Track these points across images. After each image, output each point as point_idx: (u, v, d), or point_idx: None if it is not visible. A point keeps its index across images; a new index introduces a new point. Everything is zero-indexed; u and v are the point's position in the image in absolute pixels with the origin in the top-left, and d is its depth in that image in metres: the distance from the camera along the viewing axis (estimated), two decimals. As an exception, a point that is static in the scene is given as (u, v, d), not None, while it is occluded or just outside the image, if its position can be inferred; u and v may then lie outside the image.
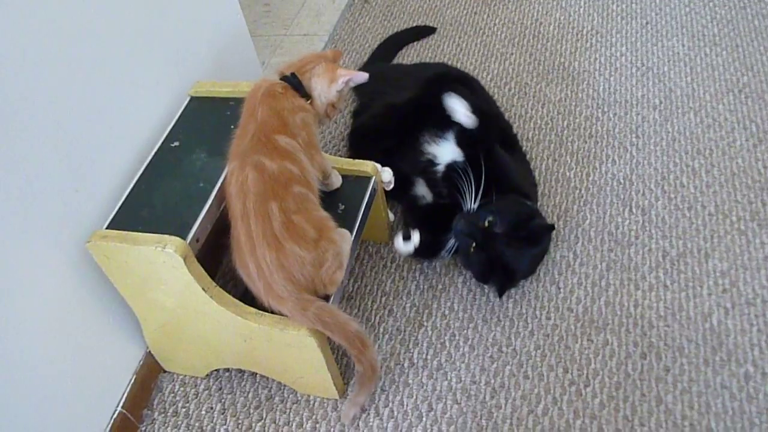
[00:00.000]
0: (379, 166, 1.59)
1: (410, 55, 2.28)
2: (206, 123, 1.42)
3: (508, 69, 2.18)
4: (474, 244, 1.49)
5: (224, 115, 1.41)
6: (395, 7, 2.51)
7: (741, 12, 2.26)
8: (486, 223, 1.49)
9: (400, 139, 1.73)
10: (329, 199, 1.52)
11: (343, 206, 1.50)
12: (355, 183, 1.54)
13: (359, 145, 1.87)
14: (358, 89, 2.00)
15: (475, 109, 1.59)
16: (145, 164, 1.36)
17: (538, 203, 1.74)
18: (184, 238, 1.20)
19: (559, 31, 2.29)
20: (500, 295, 1.57)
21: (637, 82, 2.07)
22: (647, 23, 2.27)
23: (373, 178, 1.54)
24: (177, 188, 1.30)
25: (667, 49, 2.16)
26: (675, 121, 1.93)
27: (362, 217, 1.48)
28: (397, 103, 1.81)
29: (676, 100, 1.99)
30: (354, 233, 1.44)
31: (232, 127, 1.38)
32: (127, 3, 1.35)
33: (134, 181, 1.33)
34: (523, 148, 1.87)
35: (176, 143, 1.38)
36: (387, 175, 1.61)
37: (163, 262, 1.20)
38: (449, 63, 2.20)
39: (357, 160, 1.57)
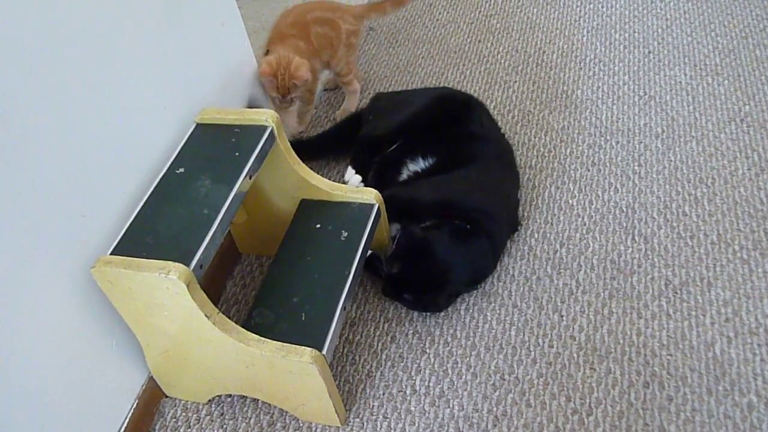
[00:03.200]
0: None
1: (414, 82, 2.30)
2: (211, 150, 1.43)
3: (511, 97, 2.19)
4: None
5: (229, 142, 1.42)
6: (400, 35, 2.54)
7: (742, 42, 2.28)
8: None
9: (402, 151, 1.83)
10: (332, 226, 1.53)
11: (347, 233, 1.51)
12: (359, 210, 1.55)
13: (360, 152, 1.92)
14: (369, 111, 2.03)
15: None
16: (151, 190, 1.37)
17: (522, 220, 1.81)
18: (187, 264, 1.20)
19: (562, 60, 2.31)
20: (439, 309, 1.63)
21: (640, 111, 2.08)
22: (650, 52, 2.29)
23: (376, 205, 1.55)
24: (181, 215, 1.31)
25: (670, 78, 2.18)
26: (677, 149, 1.94)
27: (365, 245, 1.49)
28: (402, 118, 1.88)
29: (679, 129, 2.00)
30: (356, 261, 1.45)
31: (236, 154, 1.40)
32: (136, 28, 1.37)
33: (139, 207, 1.34)
34: (526, 176, 1.89)
35: (181, 170, 1.39)
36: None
37: (166, 289, 1.20)
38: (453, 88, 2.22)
39: (359, 188, 1.58)
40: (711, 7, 2.44)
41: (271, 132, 1.44)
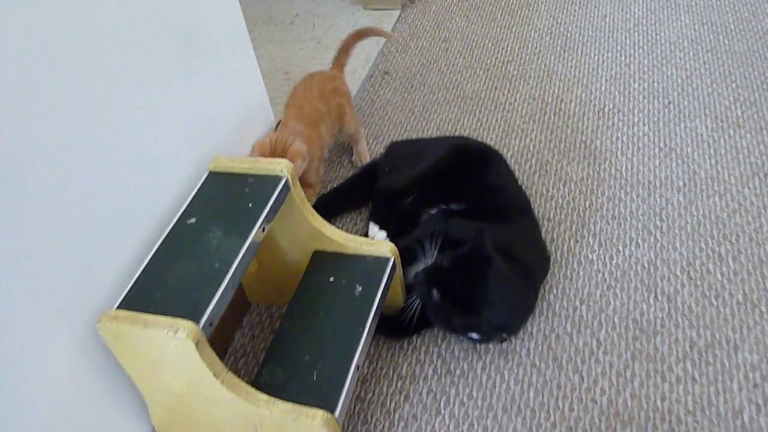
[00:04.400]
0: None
1: (430, 128, 2.27)
2: (224, 200, 1.39)
3: (528, 146, 2.15)
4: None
5: (243, 193, 1.38)
6: (416, 79, 2.51)
7: (764, 94, 2.24)
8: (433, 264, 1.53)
9: (419, 203, 1.79)
10: (346, 280, 1.48)
11: (361, 288, 1.46)
12: (373, 264, 1.50)
13: (379, 206, 1.89)
14: (385, 162, 2.00)
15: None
16: (160, 241, 1.32)
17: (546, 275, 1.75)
18: (196, 322, 1.15)
19: (581, 109, 2.28)
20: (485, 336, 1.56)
21: (660, 163, 2.04)
22: (669, 103, 2.25)
23: (392, 259, 1.50)
24: (192, 268, 1.26)
25: (690, 130, 2.14)
26: (699, 204, 1.89)
27: (380, 300, 1.44)
28: (419, 170, 1.85)
29: (701, 183, 1.96)
30: (371, 318, 1.40)
31: (250, 205, 1.36)
32: (149, 74, 1.34)
33: (148, 259, 1.29)
34: (544, 229, 1.85)
35: (192, 220, 1.35)
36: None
37: (174, 347, 1.15)
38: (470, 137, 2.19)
39: (375, 240, 1.54)
40: (731, 58, 2.41)
41: (286, 182, 1.40)
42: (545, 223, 1.89)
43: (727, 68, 2.37)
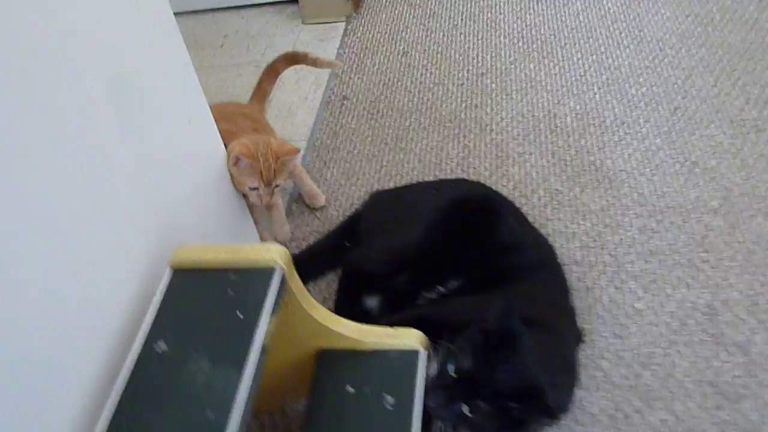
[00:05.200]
0: None
1: (411, 161, 1.93)
2: (201, 310, 1.01)
3: (530, 173, 1.84)
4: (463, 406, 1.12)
5: (226, 296, 1.00)
6: (380, 103, 2.16)
7: (774, 91, 2.00)
8: (453, 373, 1.12)
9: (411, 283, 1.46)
10: (369, 389, 1.12)
11: (392, 399, 1.10)
12: (399, 362, 1.15)
13: (347, 295, 1.55)
14: (358, 222, 1.65)
15: None
16: (118, 385, 0.93)
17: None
18: None
19: (579, 123, 1.98)
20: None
21: (686, 182, 1.75)
22: (676, 109, 1.98)
23: (423, 353, 1.15)
24: (172, 422, 0.88)
25: (708, 139, 1.87)
26: (743, 227, 1.62)
27: (419, 411, 1.09)
28: (404, 243, 1.51)
29: (737, 202, 1.68)
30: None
31: (239, 314, 0.98)
32: (67, 136, 0.95)
33: (103, 415, 0.90)
34: (574, 275, 1.55)
35: (162, 346, 0.96)
36: None
37: None
38: (459, 170, 1.86)
39: (399, 329, 1.18)
40: (728, 52, 2.15)
41: (282, 276, 1.03)
42: (574, 268, 1.58)
43: (726, 64, 2.11)
